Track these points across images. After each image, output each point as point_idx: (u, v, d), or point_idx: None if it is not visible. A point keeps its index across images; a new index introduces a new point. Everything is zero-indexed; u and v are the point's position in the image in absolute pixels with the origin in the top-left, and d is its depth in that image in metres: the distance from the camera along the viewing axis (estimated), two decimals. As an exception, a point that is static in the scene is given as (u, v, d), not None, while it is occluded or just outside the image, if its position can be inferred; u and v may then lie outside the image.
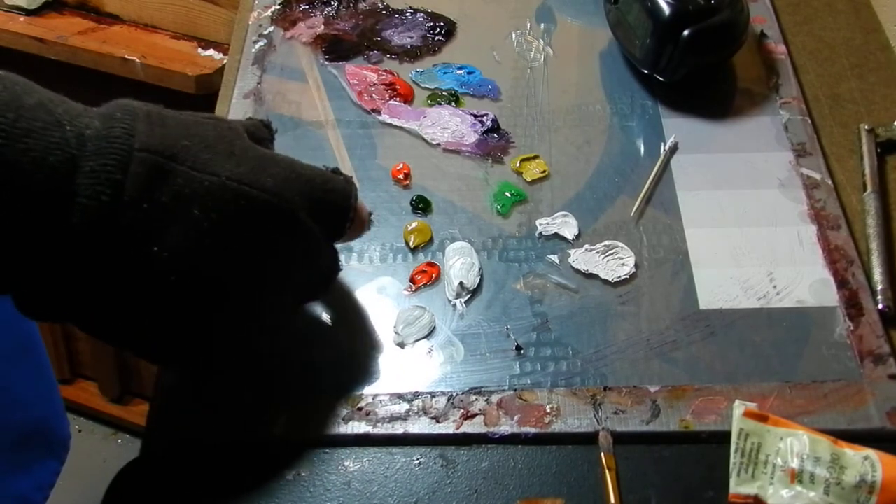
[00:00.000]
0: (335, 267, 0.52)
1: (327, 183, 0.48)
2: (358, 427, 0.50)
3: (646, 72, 0.68)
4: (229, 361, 0.51)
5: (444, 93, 0.69)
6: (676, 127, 0.67)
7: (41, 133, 0.39)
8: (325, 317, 0.56)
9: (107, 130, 0.41)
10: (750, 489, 0.47)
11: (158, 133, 0.42)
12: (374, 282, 0.57)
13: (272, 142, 0.51)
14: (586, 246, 0.59)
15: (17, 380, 0.67)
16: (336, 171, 0.50)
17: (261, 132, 0.49)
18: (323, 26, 0.75)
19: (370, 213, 0.53)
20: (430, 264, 0.58)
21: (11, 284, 0.41)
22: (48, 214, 0.39)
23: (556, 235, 0.60)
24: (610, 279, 0.57)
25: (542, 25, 0.76)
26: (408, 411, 0.51)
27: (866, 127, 0.65)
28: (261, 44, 0.74)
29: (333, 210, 0.49)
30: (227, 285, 0.44)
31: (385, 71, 0.71)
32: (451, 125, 0.67)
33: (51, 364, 0.75)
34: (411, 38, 0.74)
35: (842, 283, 0.56)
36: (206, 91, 1.02)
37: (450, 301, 0.56)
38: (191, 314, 0.44)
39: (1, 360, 0.65)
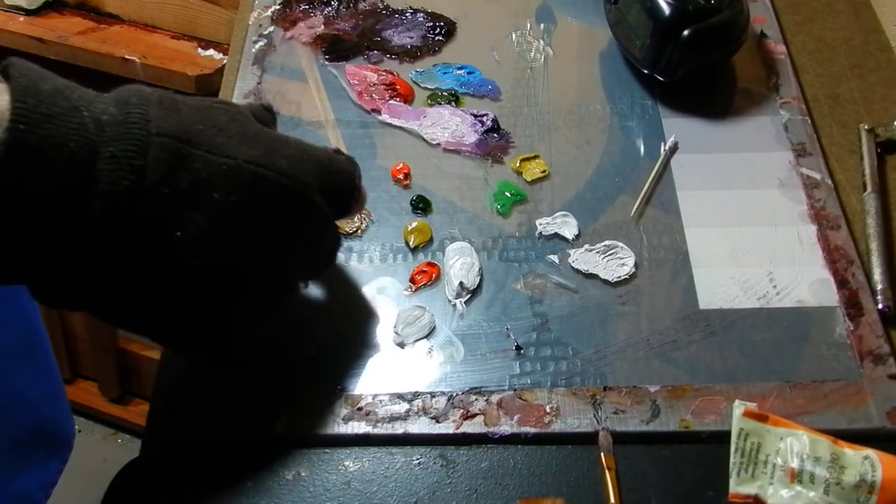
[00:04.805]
0: (337, 244, 0.52)
1: (333, 163, 0.49)
2: (358, 427, 0.50)
3: (646, 72, 0.68)
4: (246, 350, 0.51)
5: (444, 93, 0.69)
6: (676, 127, 0.67)
7: (61, 119, 0.39)
8: (325, 316, 0.56)
9: (123, 116, 0.41)
10: (750, 489, 0.47)
11: (173, 118, 0.42)
12: (374, 282, 0.57)
13: (275, 124, 0.51)
14: (586, 246, 0.59)
15: (24, 379, 0.67)
16: (338, 151, 0.51)
17: (264, 116, 0.50)
18: (323, 26, 0.75)
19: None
20: (430, 264, 0.58)
21: (29, 272, 0.41)
22: (69, 201, 0.39)
23: (556, 235, 0.60)
24: (610, 279, 0.57)
25: (542, 25, 0.76)
26: (408, 411, 0.51)
27: (866, 127, 0.65)
28: (261, 44, 0.74)
29: (340, 189, 0.50)
30: (246, 268, 0.44)
31: (385, 71, 0.71)
32: (451, 125, 0.67)
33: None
34: (411, 38, 0.74)
35: (842, 283, 0.56)
36: (206, 91, 1.03)
37: (450, 301, 0.56)
38: (211, 298, 0.44)
39: (7, 358, 0.65)
